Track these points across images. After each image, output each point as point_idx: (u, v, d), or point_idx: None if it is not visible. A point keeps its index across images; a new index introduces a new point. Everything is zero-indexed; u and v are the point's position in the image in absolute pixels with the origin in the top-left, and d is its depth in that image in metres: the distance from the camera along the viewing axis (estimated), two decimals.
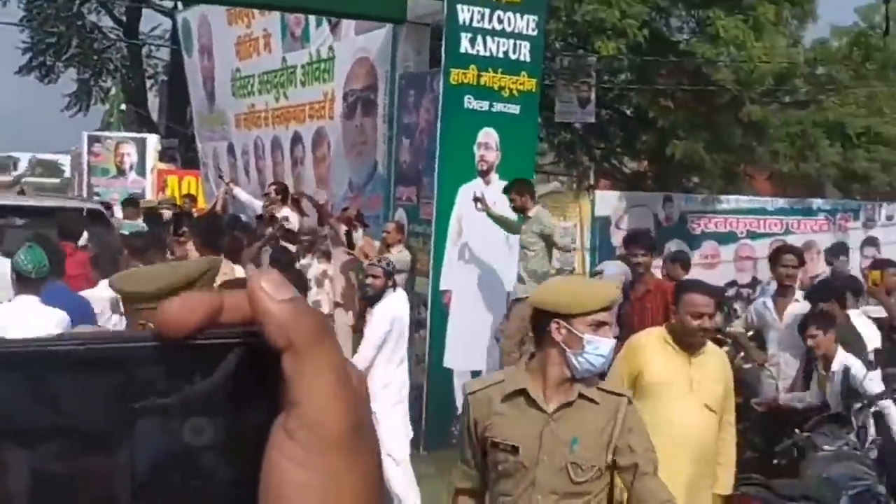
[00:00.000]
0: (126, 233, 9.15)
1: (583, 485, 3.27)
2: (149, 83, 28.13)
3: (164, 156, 21.07)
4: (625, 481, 3.31)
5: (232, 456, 0.46)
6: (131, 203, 13.14)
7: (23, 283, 5.36)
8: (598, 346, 3.25)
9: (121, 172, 18.84)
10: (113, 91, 24.18)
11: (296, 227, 10.43)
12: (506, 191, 8.56)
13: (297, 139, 12.33)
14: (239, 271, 7.37)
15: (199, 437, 0.46)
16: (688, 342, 4.48)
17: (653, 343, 4.56)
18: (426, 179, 9.50)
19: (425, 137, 9.64)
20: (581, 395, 3.28)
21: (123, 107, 23.61)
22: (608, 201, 15.16)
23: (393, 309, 6.75)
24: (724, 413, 4.55)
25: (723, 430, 4.55)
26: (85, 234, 8.32)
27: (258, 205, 10.89)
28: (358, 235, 9.44)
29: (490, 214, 8.74)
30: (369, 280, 6.98)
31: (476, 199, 8.77)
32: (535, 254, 8.51)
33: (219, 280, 6.67)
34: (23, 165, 61.37)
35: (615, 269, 12.03)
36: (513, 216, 8.72)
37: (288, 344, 0.46)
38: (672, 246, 14.60)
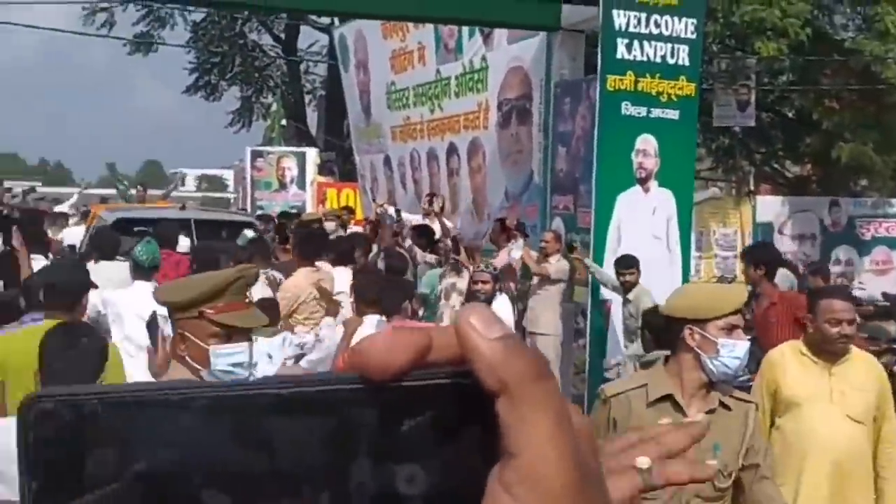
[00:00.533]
0: (240, 243, 9.39)
1: (724, 491, 3.33)
2: (307, 98, 28.96)
3: (322, 169, 21.63)
4: (744, 480, 3.36)
5: None
6: (286, 216, 13.55)
7: (139, 271, 6.39)
8: (732, 349, 3.28)
9: (282, 186, 19.46)
10: (274, 107, 24.99)
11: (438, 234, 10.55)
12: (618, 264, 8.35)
13: (452, 150, 12.43)
14: (338, 274, 7.62)
15: (410, 485, 0.43)
16: (828, 351, 4.33)
17: (788, 356, 4.46)
18: (583, 188, 9.41)
19: (582, 145, 9.56)
20: (720, 403, 3.35)
21: (284, 122, 24.36)
22: (770, 207, 14.69)
23: (504, 313, 7.16)
24: (884, 423, 4.35)
25: (884, 442, 4.35)
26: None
27: (416, 218, 11.03)
28: (519, 245, 9.42)
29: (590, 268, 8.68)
30: (478, 286, 7.25)
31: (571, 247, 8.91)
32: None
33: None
34: (190, 181, 64.28)
35: (779, 277, 11.62)
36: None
37: (502, 386, 0.42)
38: (840, 252, 14.03)
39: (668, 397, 3.33)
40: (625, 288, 8.24)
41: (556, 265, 9.51)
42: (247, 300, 2.99)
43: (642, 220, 8.81)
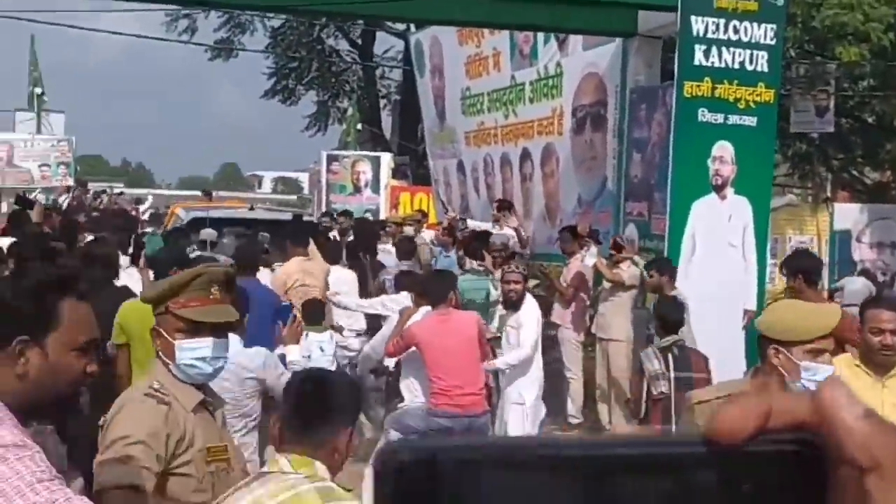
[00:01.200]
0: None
1: None
2: (382, 103, 29.21)
3: (396, 173, 21.82)
4: None
5: None
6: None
7: (149, 264, 7.47)
8: (815, 373, 3.29)
9: (357, 189, 19.69)
10: (350, 112, 25.26)
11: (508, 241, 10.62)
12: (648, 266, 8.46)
13: (525, 155, 12.47)
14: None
15: None
16: (874, 362, 4.33)
17: (841, 368, 4.42)
18: (658, 194, 9.38)
19: (657, 152, 9.53)
20: None
21: (359, 126, 24.62)
22: (848, 214, 14.44)
23: (537, 310, 7.72)
24: None
25: None
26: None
27: (486, 225, 11.08)
28: (592, 252, 9.41)
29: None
30: (510, 286, 7.68)
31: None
32: None
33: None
34: (266, 183, 65.06)
35: (857, 285, 11.46)
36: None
37: (875, 464, 0.44)
38: None
39: None
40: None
41: (629, 271, 9.47)
42: (212, 296, 3.05)
43: (718, 228, 8.75)
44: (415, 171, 24.20)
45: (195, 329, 2.99)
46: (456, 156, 14.51)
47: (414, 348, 6.61)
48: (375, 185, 19.77)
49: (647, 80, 10.14)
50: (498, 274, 8.81)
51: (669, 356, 6.36)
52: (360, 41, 28.00)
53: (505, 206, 11.68)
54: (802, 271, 7.24)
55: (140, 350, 5.27)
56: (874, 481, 0.44)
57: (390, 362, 7.35)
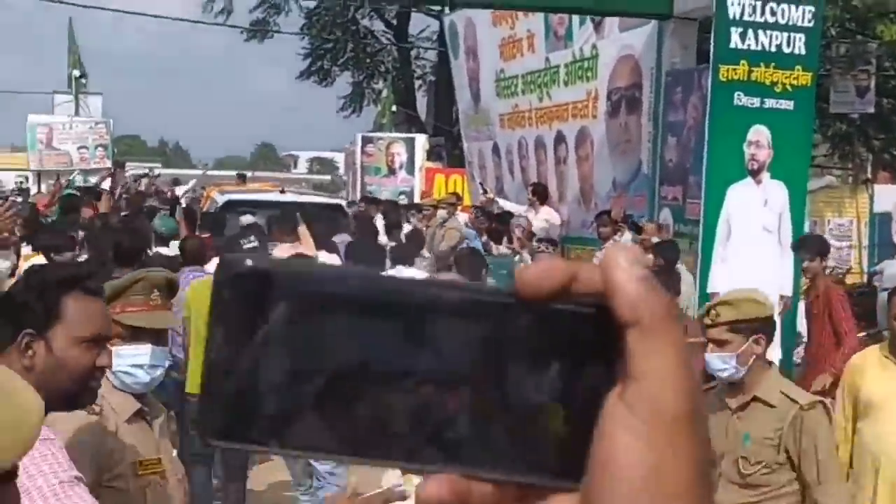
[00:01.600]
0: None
1: (749, 477, 3.62)
2: (417, 84, 29.16)
3: (431, 154, 21.79)
4: (801, 482, 3.60)
5: (567, 414, 0.50)
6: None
7: (158, 240, 8.32)
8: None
9: (391, 171, 19.69)
10: (384, 93, 25.23)
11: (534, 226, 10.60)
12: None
13: (560, 138, 12.40)
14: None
15: (541, 391, 0.50)
16: None
17: (870, 359, 4.43)
18: (693, 178, 9.29)
19: (693, 135, 9.43)
20: (755, 398, 3.63)
21: (394, 108, 24.59)
22: (889, 195, 14.21)
23: None
24: None
25: None
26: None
27: (521, 209, 11.05)
28: (626, 237, 9.37)
29: None
30: None
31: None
32: None
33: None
34: (302, 163, 65.30)
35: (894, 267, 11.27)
36: None
37: (637, 319, 0.47)
38: None
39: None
40: None
41: None
42: (152, 301, 3.00)
43: (753, 213, 8.66)
44: (450, 152, 24.16)
45: (134, 335, 2.91)
46: (490, 138, 14.45)
47: None
48: (410, 166, 19.76)
49: (683, 62, 10.03)
50: (526, 255, 8.84)
51: None
52: (395, 22, 27.96)
53: (539, 190, 11.64)
54: (822, 254, 7.78)
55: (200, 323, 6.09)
56: (634, 334, 0.48)
57: None
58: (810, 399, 3.73)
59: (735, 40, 8.48)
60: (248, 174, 28.82)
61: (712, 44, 8.64)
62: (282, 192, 14.73)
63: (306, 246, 8.86)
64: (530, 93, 13.06)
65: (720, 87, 8.52)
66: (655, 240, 9.11)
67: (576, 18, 11.78)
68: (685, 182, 9.60)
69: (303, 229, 8.86)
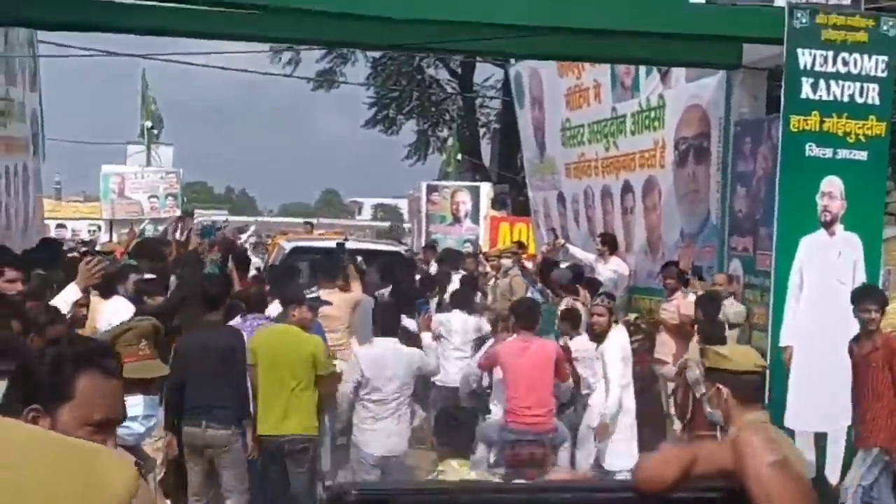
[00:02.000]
0: None
1: None
2: (481, 131, 29.34)
3: (495, 202, 21.87)
4: None
5: None
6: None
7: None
8: None
9: (456, 220, 19.77)
10: (450, 142, 25.42)
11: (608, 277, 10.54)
12: None
13: (627, 188, 12.33)
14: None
15: None
16: None
17: None
18: (763, 230, 9.16)
19: (763, 186, 9.32)
20: None
21: (459, 156, 24.75)
22: None
23: (620, 340, 7.95)
24: None
25: None
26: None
27: (591, 258, 10.97)
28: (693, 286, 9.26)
29: None
30: (595, 318, 7.97)
31: None
32: None
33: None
34: (367, 210, 65.86)
35: None
36: None
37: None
38: None
39: None
40: None
41: (732, 309, 9.28)
42: (141, 351, 2.99)
43: (826, 265, 8.49)
44: (514, 199, 24.20)
45: (124, 387, 2.93)
46: (556, 187, 14.44)
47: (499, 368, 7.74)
48: (475, 215, 19.82)
49: (752, 112, 9.94)
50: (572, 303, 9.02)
51: None
52: (459, 71, 28.22)
53: (608, 239, 11.56)
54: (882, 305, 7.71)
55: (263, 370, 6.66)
56: None
57: (487, 380, 8.37)
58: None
59: (806, 91, 8.38)
60: (314, 221, 29.16)
61: (783, 94, 8.53)
62: (345, 240, 14.98)
63: (354, 289, 9.00)
64: (596, 142, 13.04)
65: (791, 137, 8.40)
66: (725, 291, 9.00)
67: (642, 68, 11.77)
68: (755, 233, 9.47)
69: (351, 272, 9.05)
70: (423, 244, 18.91)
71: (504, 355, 7.63)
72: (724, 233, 10.10)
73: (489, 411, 8.01)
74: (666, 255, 11.30)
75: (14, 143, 12.50)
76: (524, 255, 14.34)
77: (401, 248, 16.71)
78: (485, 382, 8.42)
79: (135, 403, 2.91)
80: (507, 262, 13.33)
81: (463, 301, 9.76)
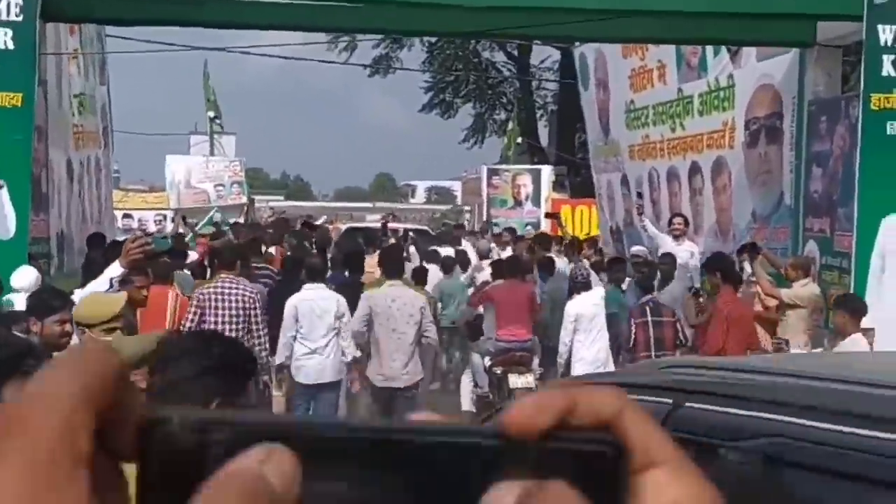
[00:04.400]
0: None
1: None
2: (538, 114, 29.18)
3: (555, 184, 21.75)
4: None
5: None
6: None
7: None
8: None
9: (517, 203, 19.72)
10: (510, 125, 25.31)
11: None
12: None
13: (695, 169, 12.20)
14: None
15: None
16: None
17: None
18: (841, 210, 9.02)
19: (840, 166, 9.17)
20: None
21: (520, 139, 24.65)
22: None
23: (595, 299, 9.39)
24: None
25: None
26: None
27: (667, 240, 10.86)
28: (747, 269, 9.12)
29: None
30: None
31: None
32: None
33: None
34: (420, 192, 66.05)
35: None
36: None
37: (661, 460, 0.44)
38: None
39: None
40: None
41: (807, 289, 9.13)
42: None
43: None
44: (572, 181, 24.05)
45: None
46: (619, 169, 14.33)
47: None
48: (536, 198, 19.73)
49: (827, 90, 9.77)
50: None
51: None
52: (516, 53, 28.06)
53: (686, 221, 11.39)
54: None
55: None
56: (652, 477, 0.43)
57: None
58: None
59: (887, 68, 8.21)
60: (370, 205, 29.33)
61: (862, 72, 8.38)
62: (385, 223, 17.69)
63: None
64: (661, 123, 12.91)
65: (872, 116, 8.25)
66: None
67: (709, 48, 11.61)
68: (833, 214, 9.32)
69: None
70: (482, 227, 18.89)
71: (495, 294, 9.98)
72: (799, 214, 9.95)
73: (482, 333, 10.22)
74: (737, 237, 11.16)
75: (89, 136, 12.73)
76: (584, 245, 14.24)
77: (428, 228, 20.20)
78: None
79: None
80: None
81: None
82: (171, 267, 8.47)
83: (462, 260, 12.45)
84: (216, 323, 7.21)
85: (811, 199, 9.71)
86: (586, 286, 9.42)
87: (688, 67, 12.29)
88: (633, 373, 3.81)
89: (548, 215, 17.69)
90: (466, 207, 33.57)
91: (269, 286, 9.06)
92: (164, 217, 20.66)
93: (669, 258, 10.05)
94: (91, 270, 6.59)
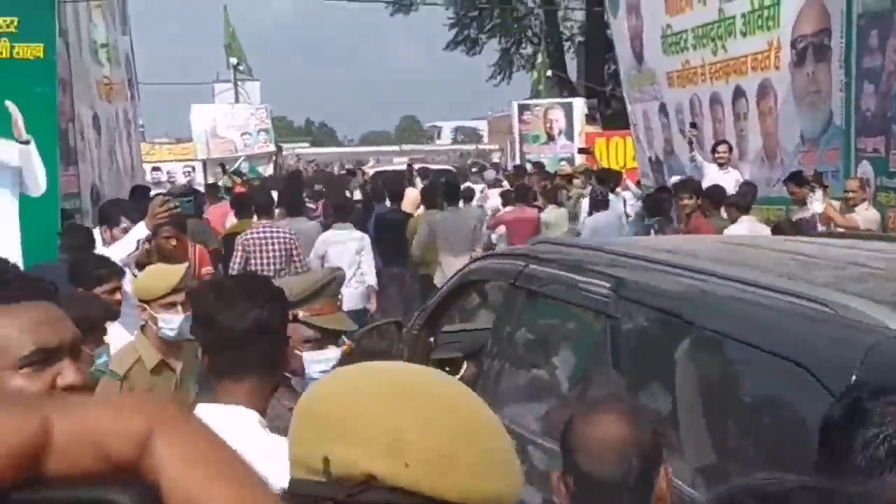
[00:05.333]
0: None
1: None
2: (565, 45, 28.62)
3: (587, 117, 21.34)
4: None
5: None
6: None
7: None
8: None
9: (550, 138, 19.34)
10: (539, 59, 24.80)
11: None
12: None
13: (739, 93, 11.78)
14: None
15: None
16: None
17: None
18: None
19: (894, 82, 8.77)
20: None
21: (549, 73, 24.17)
22: None
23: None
24: None
25: None
26: None
27: (712, 169, 10.51)
28: (818, 196, 8.74)
29: None
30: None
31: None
32: None
33: None
34: (446, 133, 65.94)
35: None
36: None
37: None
38: None
39: None
40: None
41: (865, 214, 8.79)
42: (339, 302, 2.85)
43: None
44: (603, 113, 23.62)
45: (323, 338, 2.73)
46: (657, 98, 13.90)
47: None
48: (569, 132, 19.35)
49: (878, 3, 9.31)
50: None
51: None
52: None
53: (731, 148, 11.04)
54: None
55: None
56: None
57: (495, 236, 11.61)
58: None
59: None
60: (396, 149, 29.09)
61: None
62: (410, 165, 19.23)
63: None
64: (702, 47, 12.46)
65: None
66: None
67: None
68: (887, 132, 8.96)
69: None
70: (516, 164, 18.58)
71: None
72: (851, 134, 9.57)
73: None
74: (785, 162, 10.80)
75: (116, 88, 12.47)
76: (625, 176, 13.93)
77: (449, 167, 21.69)
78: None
79: (331, 357, 2.72)
80: (577, 181, 13.99)
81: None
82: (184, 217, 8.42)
83: (467, 195, 13.72)
84: (261, 265, 7.96)
85: (863, 118, 9.33)
86: (604, 204, 10.95)
87: None
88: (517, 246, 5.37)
89: (581, 150, 17.41)
90: (493, 146, 33.16)
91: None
92: (193, 168, 20.49)
93: (751, 188, 9.82)
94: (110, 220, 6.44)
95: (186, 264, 4.43)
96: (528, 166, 17.09)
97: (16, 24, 7.79)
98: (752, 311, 2.61)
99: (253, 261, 8.08)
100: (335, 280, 2.83)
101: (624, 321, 3.06)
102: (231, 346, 2.09)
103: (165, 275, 3.97)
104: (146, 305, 3.86)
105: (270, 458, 1.14)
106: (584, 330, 3.67)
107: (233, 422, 1.92)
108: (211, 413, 1.96)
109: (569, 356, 3.85)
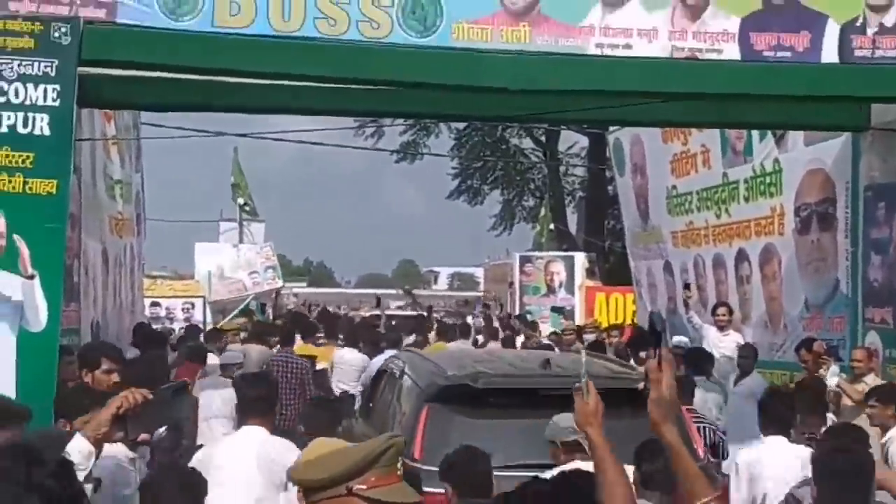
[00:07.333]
0: None
1: None
2: (566, 199, 29.03)
3: (587, 271, 21.45)
4: None
5: None
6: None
7: None
8: None
9: (550, 290, 19.39)
10: (542, 212, 25.11)
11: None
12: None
13: (742, 256, 11.84)
14: None
15: None
16: None
17: None
18: None
19: None
20: None
21: (552, 226, 24.43)
22: None
23: None
24: None
25: None
26: None
27: (711, 332, 10.47)
28: (834, 370, 8.64)
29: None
30: None
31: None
32: None
33: None
34: (443, 279, 66.03)
35: None
36: None
37: None
38: None
39: None
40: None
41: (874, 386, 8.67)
42: (398, 471, 2.52)
43: None
44: (602, 267, 23.76)
45: None
46: (662, 256, 13.99)
47: None
48: (570, 285, 19.42)
49: (884, 175, 9.44)
50: None
51: None
52: (544, 139, 28.03)
53: (729, 310, 10.99)
54: None
55: None
56: None
57: None
58: None
59: None
60: (393, 291, 29.08)
61: None
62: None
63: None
64: (706, 209, 12.60)
65: None
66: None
67: (755, 133, 11.36)
68: (895, 303, 8.94)
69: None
70: (516, 314, 18.55)
71: None
72: (858, 303, 9.56)
73: None
74: (789, 327, 10.77)
75: (126, 224, 12.56)
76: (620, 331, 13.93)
77: (423, 313, 22.94)
78: None
79: None
80: (590, 336, 14.21)
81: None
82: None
83: (463, 329, 15.12)
84: (280, 386, 8.71)
85: (871, 288, 9.33)
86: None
87: (733, 152, 12.04)
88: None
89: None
90: (488, 293, 33.28)
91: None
92: (192, 305, 20.38)
93: (750, 350, 9.75)
94: (153, 367, 6.32)
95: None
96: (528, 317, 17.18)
97: (31, 159, 7.81)
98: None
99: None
100: (392, 448, 2.52)
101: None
102: None
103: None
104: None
105: None
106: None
107: None
108: None
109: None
